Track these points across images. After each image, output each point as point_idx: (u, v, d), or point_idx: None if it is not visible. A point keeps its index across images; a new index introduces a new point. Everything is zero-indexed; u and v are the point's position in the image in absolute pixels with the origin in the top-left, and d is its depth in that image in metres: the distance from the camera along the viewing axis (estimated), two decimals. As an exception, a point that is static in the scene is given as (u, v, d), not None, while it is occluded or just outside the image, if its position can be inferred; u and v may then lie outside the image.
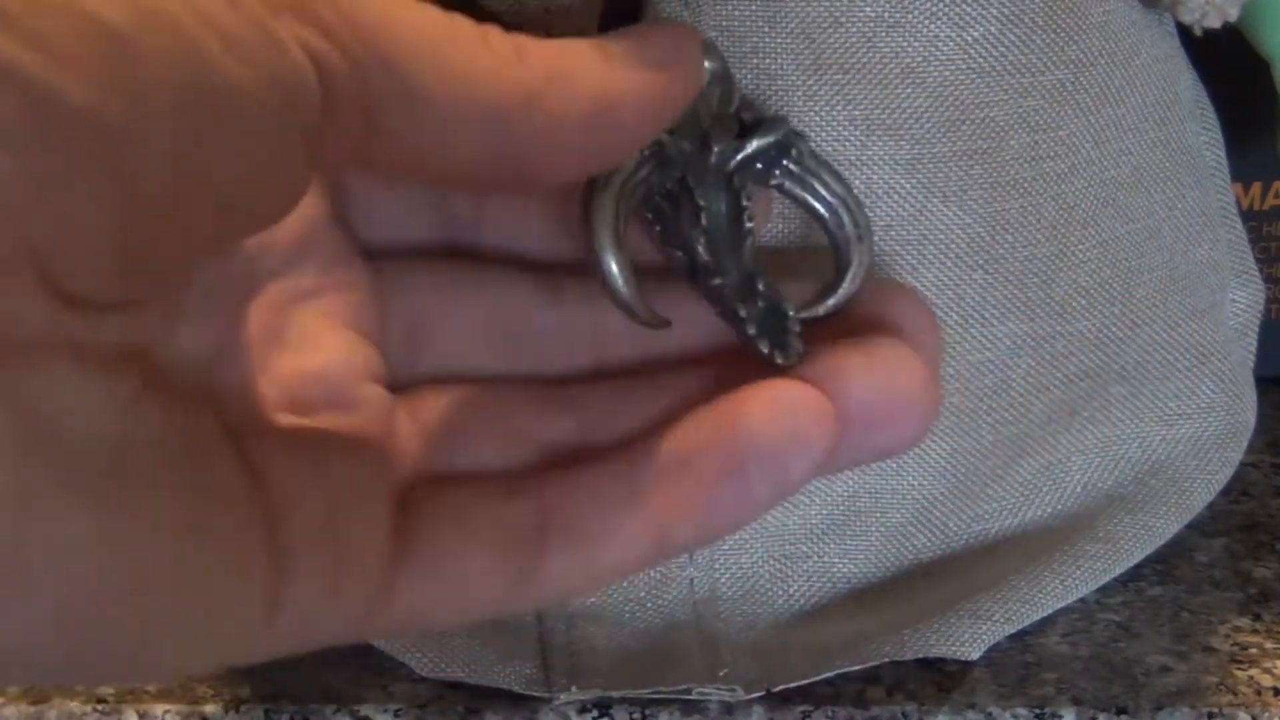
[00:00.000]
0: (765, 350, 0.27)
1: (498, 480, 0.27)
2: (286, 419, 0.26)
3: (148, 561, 0.21)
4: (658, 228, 0.29)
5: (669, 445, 0.27)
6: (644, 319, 0.28)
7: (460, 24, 0.23)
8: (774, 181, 0.30)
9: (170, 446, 0.22)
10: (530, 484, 0.27)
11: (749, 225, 0.29)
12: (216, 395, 0.25)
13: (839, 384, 0.27)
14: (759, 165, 0.29)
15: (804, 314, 0.29)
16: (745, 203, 0.29)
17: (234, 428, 0.24)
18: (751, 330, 0.28)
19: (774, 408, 0.26)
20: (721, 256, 0.28)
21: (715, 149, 0.29)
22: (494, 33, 0.24)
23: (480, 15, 0.24)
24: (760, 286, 0.28)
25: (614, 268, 0.27)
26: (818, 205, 0.30)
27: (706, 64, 0.28)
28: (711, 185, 0.29)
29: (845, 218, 0.30)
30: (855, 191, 0.30)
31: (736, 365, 0.28)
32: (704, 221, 0.28)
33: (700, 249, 0.28)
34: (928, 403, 0.27)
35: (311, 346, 0.27)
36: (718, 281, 0.28)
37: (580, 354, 0.29)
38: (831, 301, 0.29)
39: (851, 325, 0.29)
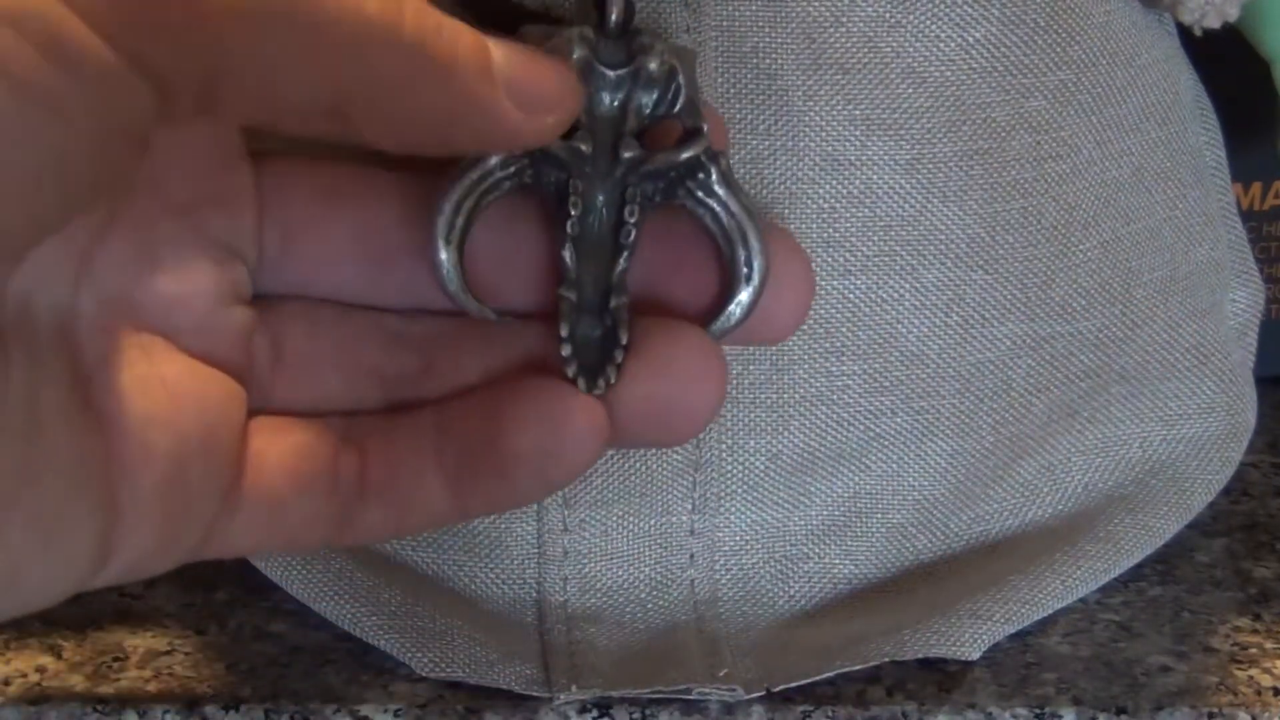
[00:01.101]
0: (569, 374, 0.28)
1: (330, 425, 0.28)
2: (150, 349, 0.26)
3: None
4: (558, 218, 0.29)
5: (467, 422, 0.28)
6: (472, 312, 0.28)
7: None
8: (677, 201, 0.29)
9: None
10: (355, 433, 0.28)
11: (626, 240, 0.28)
12: (75, 325, 0.25)
13: (615, 387, 0.28)
14: (660, 183, 0.29)
15: None
16: (630, 218, 0.28)
17: (88, 370, 0.24)
18: (565, 351, 0.28)
19: (537, 423, 0.28)
20: (583, 267, 0.28)
21: (624, 155, 0.28)
22: None
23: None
24: (612, 304, 0.28)
25: (443, 261, 0.28)
26: (717, 237, 0.29)
27: (651, 65, 0.28)
28: (597, 192, 0.28)
29: (740, 255, 0.29)
30: (760, 233, 0.29)
31: None
32: (570, 230, 0.28)
33: (565, 254, 0.28)
34: (704, 405, 0.28)
35: (181, 267, 0.27)
36: (562, 292, 0.28)
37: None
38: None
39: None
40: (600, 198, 0.28)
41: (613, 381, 0.28)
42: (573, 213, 0.28)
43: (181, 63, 0.22)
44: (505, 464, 0.28)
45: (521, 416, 0.28)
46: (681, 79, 0.28)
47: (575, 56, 0.28)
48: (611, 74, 0.28)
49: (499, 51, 0.25)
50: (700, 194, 0.29)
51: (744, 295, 0.29)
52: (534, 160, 0.28)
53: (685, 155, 0.28)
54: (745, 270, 0.29)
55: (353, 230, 0.29)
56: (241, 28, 0.22)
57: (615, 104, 0.28)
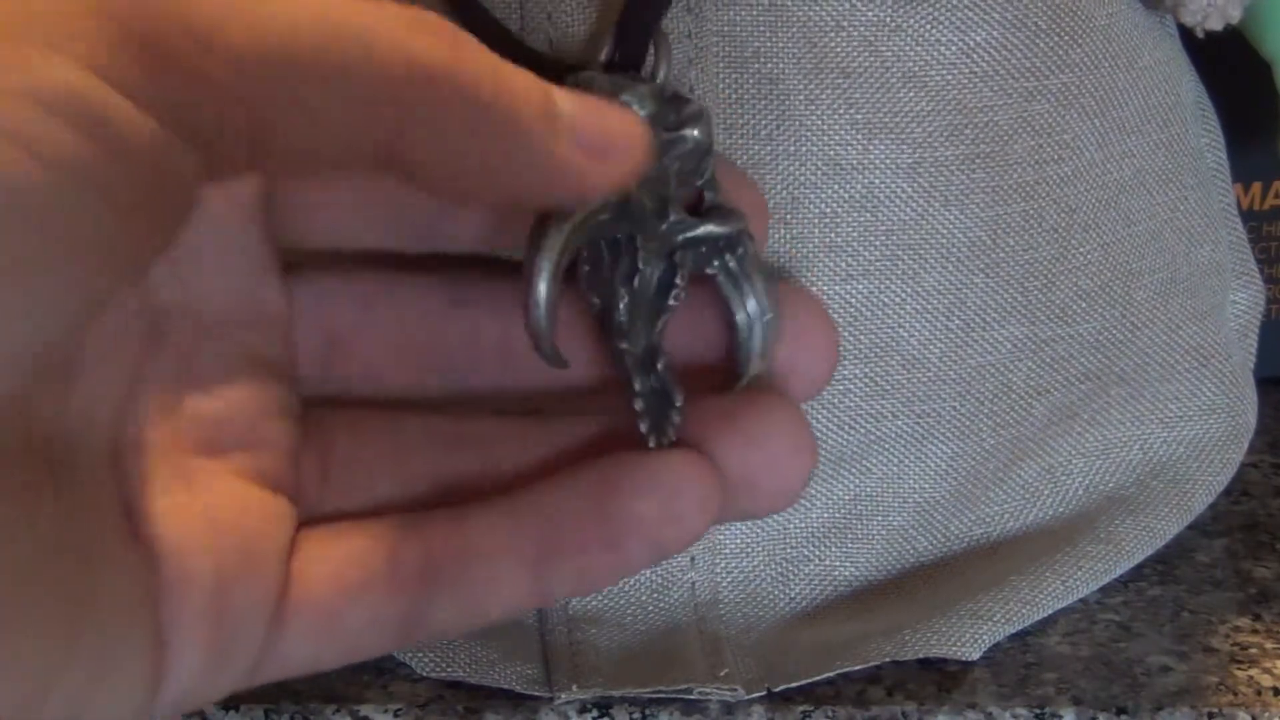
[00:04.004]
0: (644, 429, 0.28)
1: (388, 524, 0.27)
2: (191, 473, 0.26)
3: (29, 666, 0.21)
4: (587, 268, 0.29)
5: (553, 500, 0.27)
6: (547, 354, 0.28)
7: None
8: (709, 271, 0.29)
9: (61, 550, 0.22)
10: (418, 528, 0.27)
11: (673, 303, 0.28)
12: (119, 451, 0.25)
13: (714, 456, 0.28)
14: (703, 249, 0.29)
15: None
16: (678, 281, 0.29)
17: (131, 496, 0.24)
18: (639, 405, 0.28)
19: (656, 487, 0.27)
20: (637, 322, 0.28)
21: (671, 217, 0.28)
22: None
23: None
24: (659, 366, 0.28)
25: (541, 298, 0.27)
26: (736, 312, 0.29)
27: (694, 132, 0.28)
28: (655, 251, 0.28)
29: (757, 334, 0.29)
30: (776, 309, 0.29)
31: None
32: (635, 283, 0.28)
33: (621, 307, 0.28)
34: (801, 465, 0.28)
35: (220, 386, 0.27)
36: (625, 346, 0.28)
37: (486, 369, 0.29)
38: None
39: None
40: (657, 257, 0.29)
41: (673, 438, 0.28)
42: (641, 266, 0.28)
43: (223, 121, 0.21)
44: (619, 533, 0.27)
45: (638, 483, 0.27)
46: (713, 154, 0.29)
47: (645, 113, 0.28)
48: (663, 135, 0.28)
49: (564, 97, 0.24)
50: (734, 269, 0.29)
51: (750, 369, 0.29)
52: (618, 210, 0.28)
53: (729, 229, 0.29)
54: (761, 349, 0.29)
55: (396, 327, 0.28)
56: (280, 76, 0.22)
57: (658, 165, 0.28)
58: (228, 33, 0.21)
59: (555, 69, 0.29)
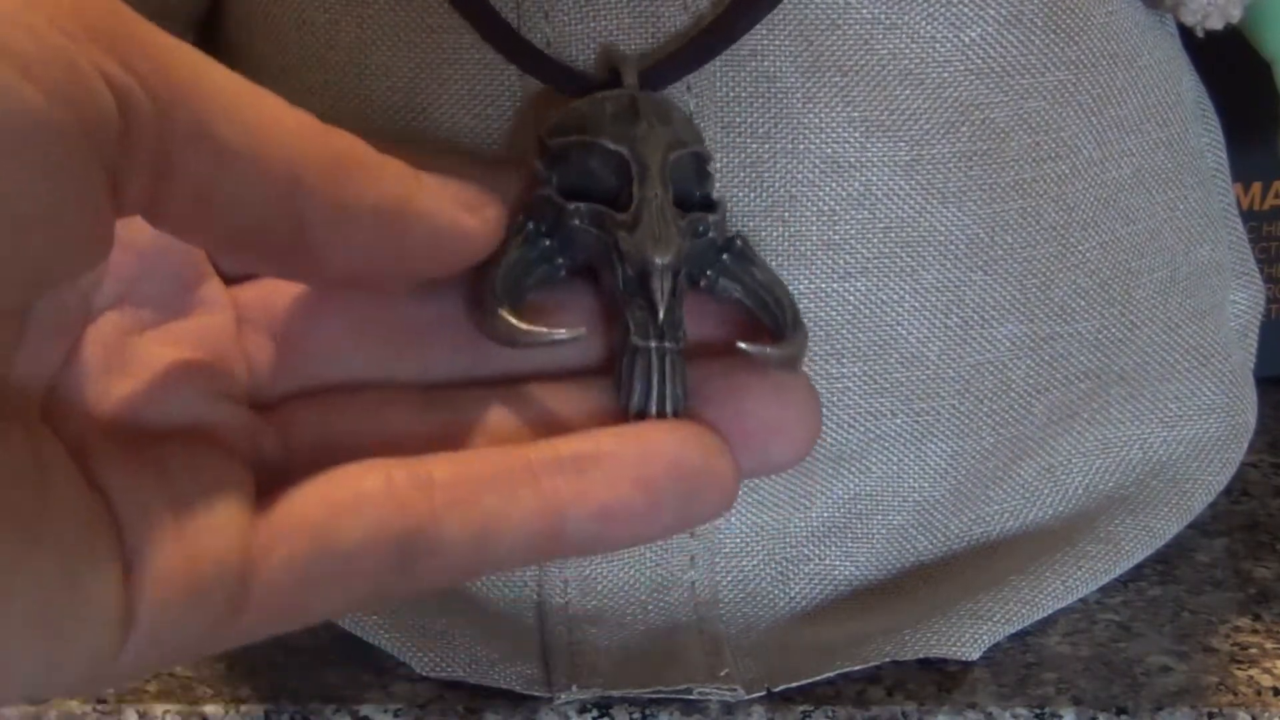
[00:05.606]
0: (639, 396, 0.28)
1: (379, 450, 0.26)
2: (137, 435, 0.25)
3: None
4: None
5: (576, 443, 0.26)
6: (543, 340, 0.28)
7: (267, 92, 0.24)
8: (704, 281, 0.29)
9: (4, 465, 0.22)
10: (417, 458, 0.26)
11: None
12: (56, 421, 0.24)
13: (739, 404, 0.27)
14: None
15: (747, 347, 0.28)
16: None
17: (74, 448, 0.24)
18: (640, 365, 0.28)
19: (693, 441, 0.27)
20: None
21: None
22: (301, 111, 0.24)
23: None
24: (677, 335, 0.28)
25: (510, 321, 0.28)
26: (750, 303, 0.29)
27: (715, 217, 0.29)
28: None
29: (782, 295, 0.30)
30: (782, 280, 0.30)
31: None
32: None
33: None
34: (809, 421, 0.28)
35: (154, 374, 0.26)
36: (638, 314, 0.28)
37: (463, 354, 0.28)
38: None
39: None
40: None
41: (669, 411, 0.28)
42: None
43: (140, 79, 0.22)
44: (658, 476, 0.26)
45: (677, 438, 0.27)
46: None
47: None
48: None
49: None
50: (732, 266, 0.29)
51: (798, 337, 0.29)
52: (563, 240, 0.29)
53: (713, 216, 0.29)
54: (790, 315, 0.29)
55: (357, 317, 0.28)
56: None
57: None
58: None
59: (577, 80, 0.30)
